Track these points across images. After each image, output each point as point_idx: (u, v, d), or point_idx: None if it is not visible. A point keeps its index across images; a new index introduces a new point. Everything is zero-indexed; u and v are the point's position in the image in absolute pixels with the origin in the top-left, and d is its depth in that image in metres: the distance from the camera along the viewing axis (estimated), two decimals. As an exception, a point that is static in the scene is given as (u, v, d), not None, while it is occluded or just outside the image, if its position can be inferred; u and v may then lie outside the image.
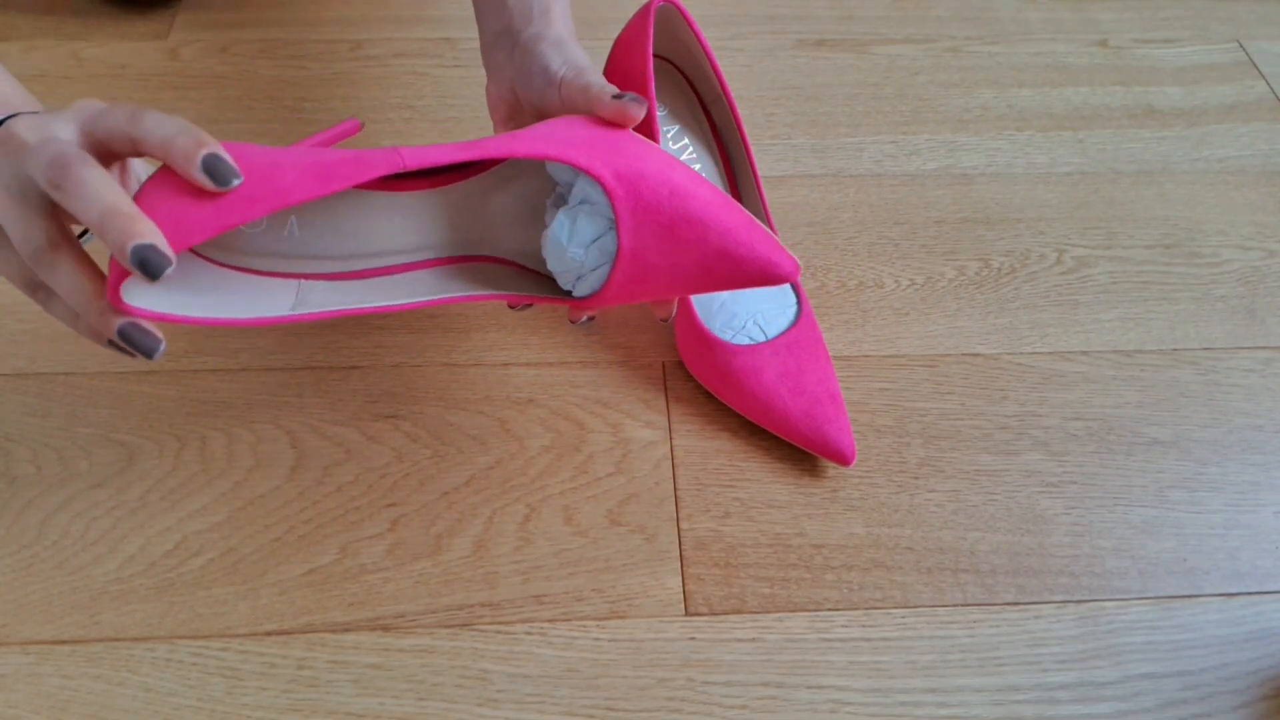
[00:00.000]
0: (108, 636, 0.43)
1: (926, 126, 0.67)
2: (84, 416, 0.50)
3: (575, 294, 0.41)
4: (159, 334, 0.36)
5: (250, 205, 0.34)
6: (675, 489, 0.49)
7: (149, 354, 0.36)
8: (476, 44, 0.71)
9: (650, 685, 0.43)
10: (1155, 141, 0.67)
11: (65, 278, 0.35)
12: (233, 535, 0.46)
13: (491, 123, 0.49)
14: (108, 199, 0.33)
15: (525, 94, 0.45)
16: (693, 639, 0.44)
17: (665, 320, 0.47)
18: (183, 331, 0.53)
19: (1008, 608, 0.45)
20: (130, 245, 0.32)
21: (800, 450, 0.50)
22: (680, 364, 0.53)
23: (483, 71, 0.70)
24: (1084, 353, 0.55)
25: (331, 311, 0.39)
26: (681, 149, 0.54)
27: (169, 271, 0.33)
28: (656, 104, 0.52)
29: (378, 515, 0.47)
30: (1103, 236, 0.61)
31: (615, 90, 0.40)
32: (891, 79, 0.71)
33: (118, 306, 0.34)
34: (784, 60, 0.72)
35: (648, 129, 0.49)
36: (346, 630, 0.44)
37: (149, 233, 0.33)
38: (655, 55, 0.53)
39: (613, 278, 0.40)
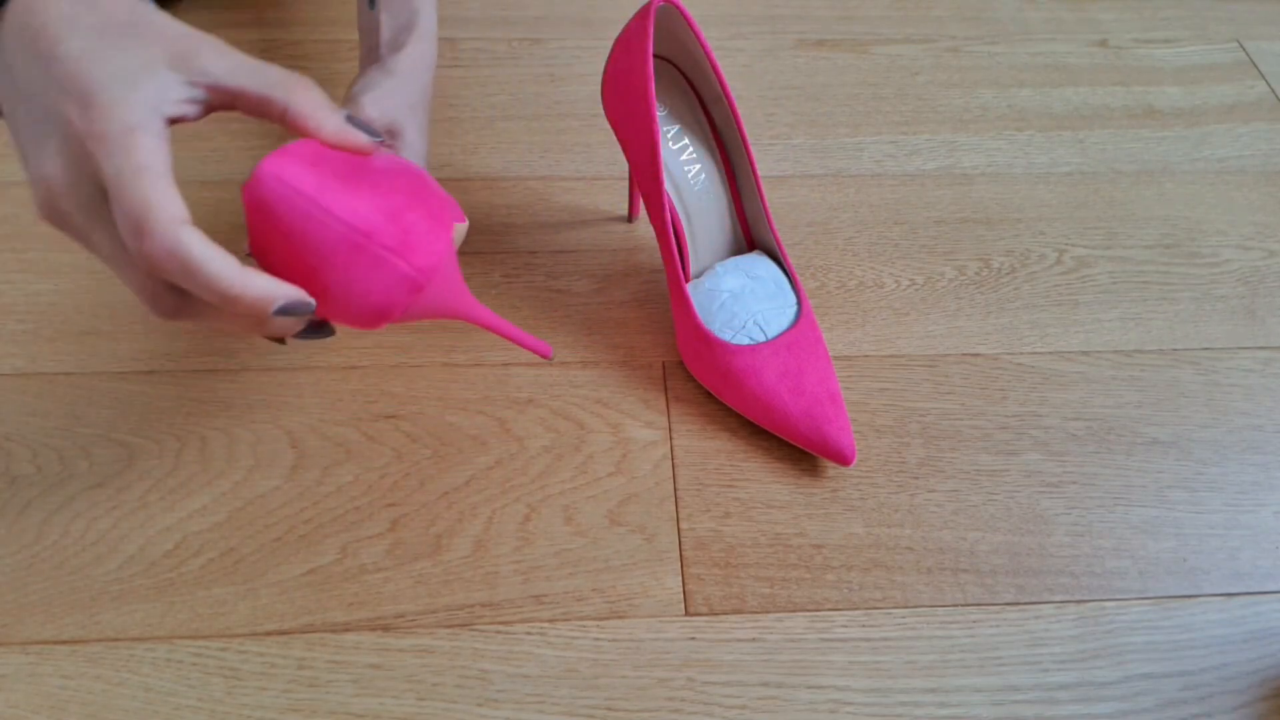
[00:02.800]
0: (108, 636, 0.43)
1: (926, 126, 0.67)
2: (84, 416, 0.50)
3: None
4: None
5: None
6: (675, 489, 0.49)
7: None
8: (476, 44, 0.72)
9: (650, 685, 0.43)
10: (1155, 141, 0.67)
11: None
12: (233, 535, 0.46)
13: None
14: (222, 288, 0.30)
15: None
16: (693, 639, 0.44)
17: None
18: (184, 330, 0.53)
19: (1008, 608, 0.45)
20: (273, 309, 0.32)
21: (800, 450, 0.50)
22: (680, 364, 0.53)
23: (482, 72, 0.70)
24: (1084, 353, 0.55)
25: None
26: (681, 149, 0.54)
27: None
28: (656, 104, 0.52)
29: (378, 515, 0.47)
30: (1103, 236, 0.61)
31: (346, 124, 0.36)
32: (891, 79, 0.71)
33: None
34: (784, 60, 0.72)
35: (647, 129, 0.49)
36: (346, 630, 0.44)
37: (279, 291, 0.32)
38: (655, 55, 0.53)
39: None
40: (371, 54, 0.52)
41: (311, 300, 0.33)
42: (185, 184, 0.61)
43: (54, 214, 0.30)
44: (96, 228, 0.30)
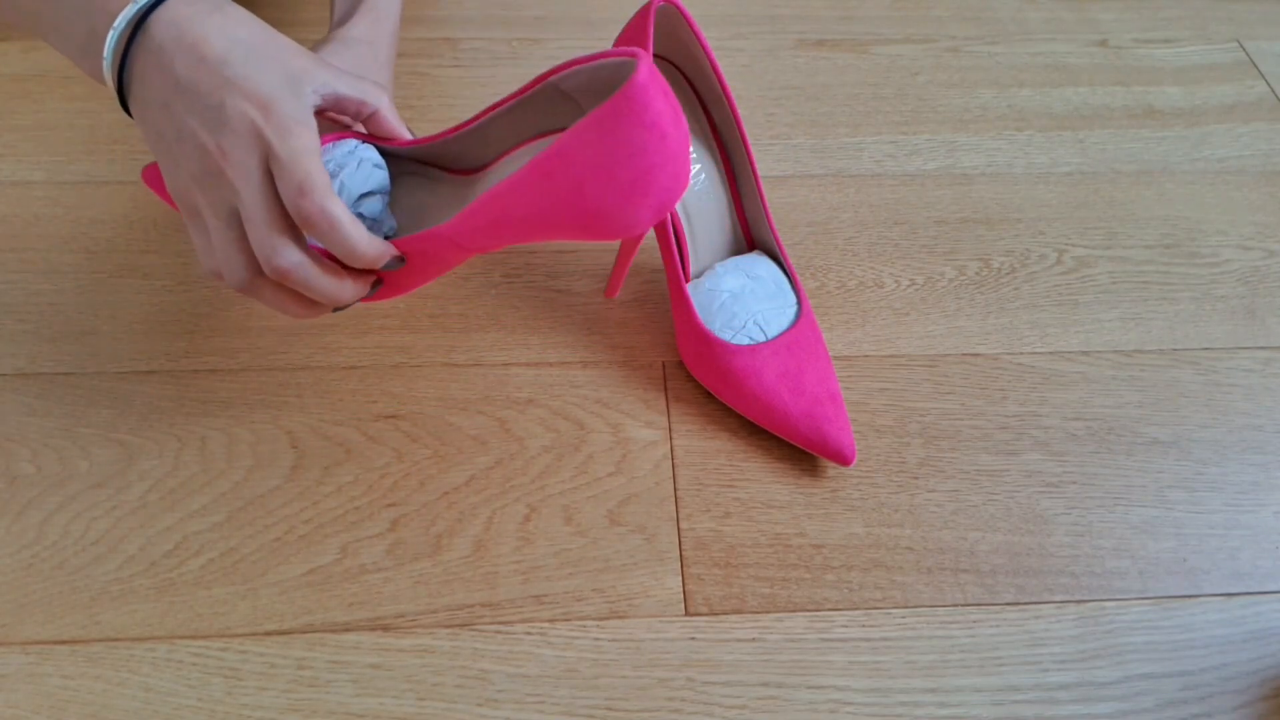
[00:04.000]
0: (108, 636, 0.43)
1: (926, 126, 0.67)
2: (84, 416, 0.50)
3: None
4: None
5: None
6: (675, 489, 0.49)
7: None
8: (476, 44, 0.72)
9: (650, 685, 0.43)
10: (1155, 141, 0.67)
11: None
12: (233, 535, 0.46)
13: None
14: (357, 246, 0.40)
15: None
16: (693, 639, 0.44)
17: None
18: (184, 330, 0.53)
19: (1008, 608, 0.45)
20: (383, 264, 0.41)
21: (800, 450, 0.50)
22: (680, 364, 0.53)
23: (482, 72, 0.70)
24: (1084, 353, 0.55)
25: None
26: (681, 149, 0.54)
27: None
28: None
29: (378, 515, 0.47)
30: (1103, 236, 0.61)
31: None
32: (891, 79, 0.71)
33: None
34: (784, 60, 0.72)
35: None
36: (346, 630, 0.44)
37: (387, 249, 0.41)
38: (655, 55, 0.53)
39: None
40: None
41: (401, 256, 0.42)
42: (185, 184, 0.61)
43: (206, 175, 0.38)
44: (250, 188, 0.38)
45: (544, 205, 0.39)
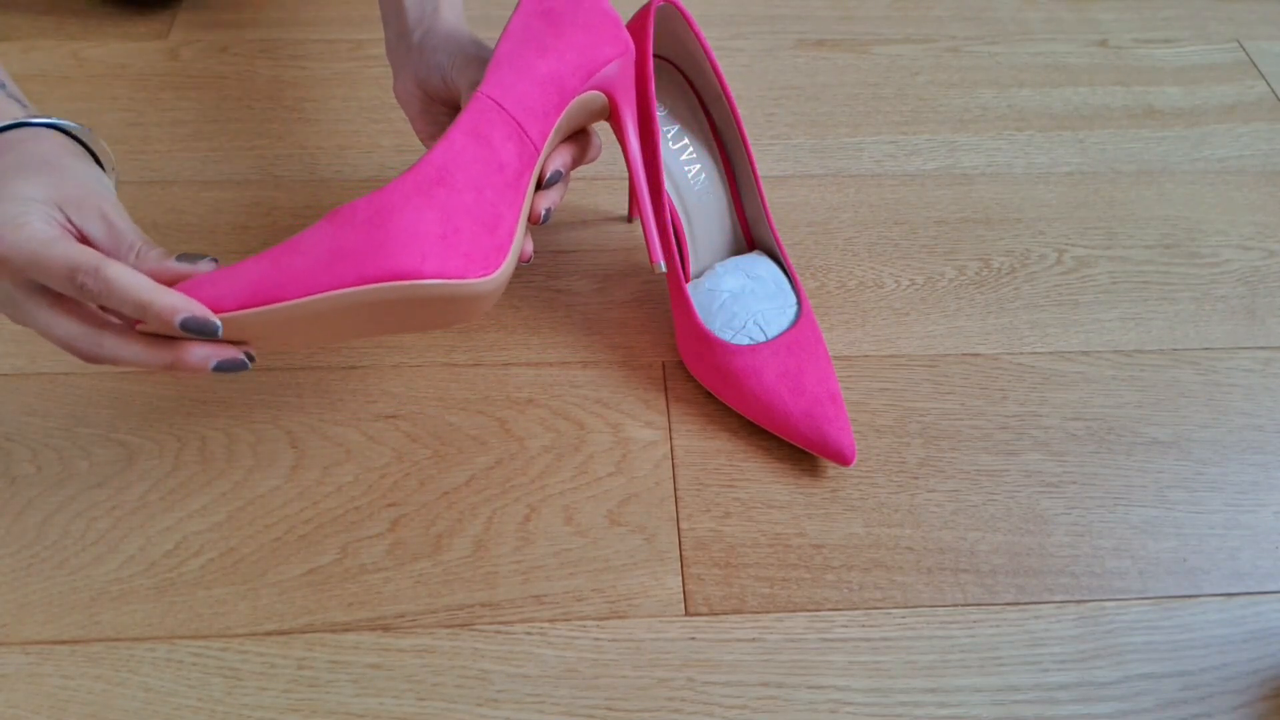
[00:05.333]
0: (108, 636, 0.43)
1: (926, 126, 0.67)
2: (84, 416, 0.50)
3: None
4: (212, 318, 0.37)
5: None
6: (675, 489, 0.49)
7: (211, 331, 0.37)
8: (476, 44, 0.72)
9: (650, 685, 0.43)
10: (1155, 141, 0.67)
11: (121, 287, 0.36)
12: (233, 535, 0.46)
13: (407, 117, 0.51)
14: (139, 293, 0.36)
15: (429, 89, 0.47)
16: (693, 639, 0.44)
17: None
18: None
19: (1008, 608, 0.45)
20: (177, 320, 0.36)
21: (800, 450, 0.50)
22: (680, 364, 0.53)
23: (483, 71, 0.70)
24: (1084, 353, 0.55)
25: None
26: (681, 149, 0.54)
27: (220, 329, 0.37)
28: (656, 104, 0.52)
29: (378, 515, 0.47)
30: (1103, 236, 0.61)
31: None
32: (891, 79, 0.71)
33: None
34: (784, 60, 0.72)
35: (648, 130, 0.49)
36: (346, 630, 0.44)
37: (183, 305, 0.36)
38: (655, 55, 0.53)
39: None
40: (402, 39, 0.49)
41: (215, 320, 0.37)
42: (185, 184, 0.61)
43: None
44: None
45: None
